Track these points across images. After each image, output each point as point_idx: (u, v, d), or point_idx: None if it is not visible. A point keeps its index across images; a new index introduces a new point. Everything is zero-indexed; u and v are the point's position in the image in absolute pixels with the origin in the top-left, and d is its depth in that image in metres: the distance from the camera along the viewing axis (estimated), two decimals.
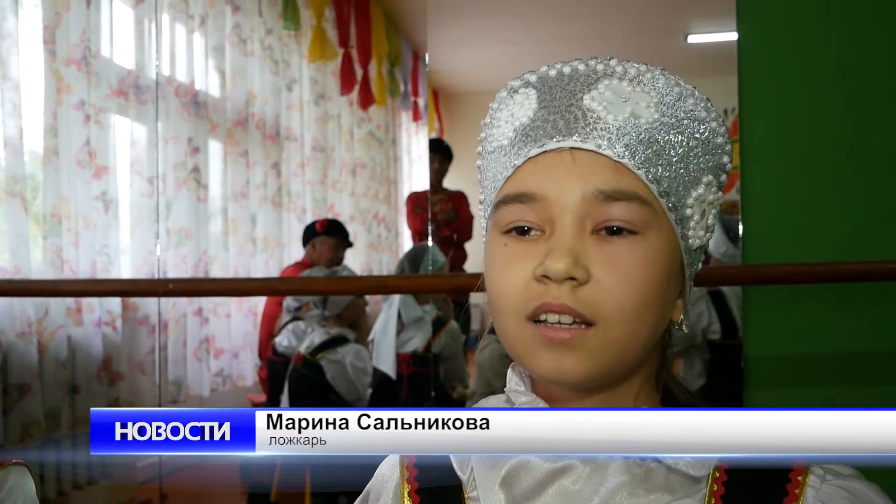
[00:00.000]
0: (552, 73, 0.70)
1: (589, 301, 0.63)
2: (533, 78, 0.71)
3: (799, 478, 0.67)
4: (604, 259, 0.64)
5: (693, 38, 2.55)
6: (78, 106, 2.68)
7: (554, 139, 0.66)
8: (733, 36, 2.07)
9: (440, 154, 3.03)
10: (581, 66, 0.69)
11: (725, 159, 0.70)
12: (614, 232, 0.65)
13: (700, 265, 0.73)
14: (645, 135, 0.66)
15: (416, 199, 3.34)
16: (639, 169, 0.65)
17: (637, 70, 0.68)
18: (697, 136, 0.68)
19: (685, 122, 0.67)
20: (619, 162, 0.65)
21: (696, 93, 0.69)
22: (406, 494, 0.76)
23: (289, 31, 3.36)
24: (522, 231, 0.67)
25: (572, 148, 0.65)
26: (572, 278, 0.63)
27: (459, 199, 3.03)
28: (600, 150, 0.65)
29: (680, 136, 0.67)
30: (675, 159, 0.66)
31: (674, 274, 0.68)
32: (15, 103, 2.45)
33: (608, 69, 0.68)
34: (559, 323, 0.64)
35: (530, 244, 0.66)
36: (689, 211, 0.67)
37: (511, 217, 0.67)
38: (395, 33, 3.47)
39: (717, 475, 0.68)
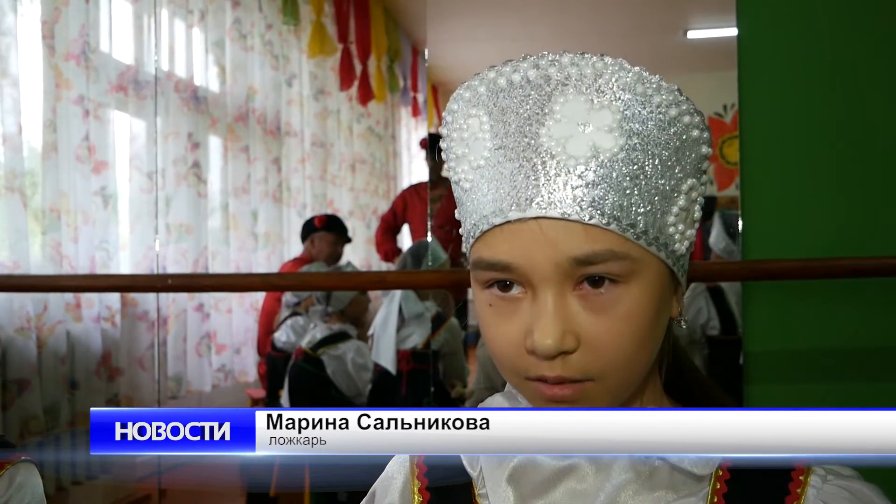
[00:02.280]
0: (501, 81, 0.64)
1: (582, 366, 0.63)
2: (482, 89, 0.65)
3: (801, 477, 0.68)
4: (590, 318, 0.62)
5: (693, 34, 2.54)
6: (77, 101, 2.68)
7: (516, 207, 0.62)
8: (733, 31, 2.07)
9: (435, 150, 3.02)
10: (532, 73, 0.63)
11: (704, 150, 0.66)
12: (598, 283, 0.62)
13: (693, 244, 0.71)
14: (609, 173, 0.61)
15: (402, 203, 3.33)
16: (610, 225, 0.61)
17: (594, 70, 0.62)
18: (670, 143, 0.63)
19: (655, 132, 0.62)
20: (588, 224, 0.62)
21: (663, 84, 0.63)
22: (416, 491, 0.76)
23: (288, 27, 3.36)
24: (504, 285, 0.65)
25: (537, 217, 0.62)
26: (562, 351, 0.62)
27: None
28: (567, 218, 0.61)
29: (650, 153, 0.62)
30: (644, 185, 0.62)
31: (666, 293, 0.67)
32: (14, 98, 2.45)
33: (562, 75, 0.62)
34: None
35: (515, 304, 0.65)
36: (671, 230, 0.64)
37: (489, 278, 0.65)
38: (394, 29, 3.47)
39: (721, 473, 0.68)
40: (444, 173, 0.73)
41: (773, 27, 2.04)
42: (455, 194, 0.70)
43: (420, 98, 3.51)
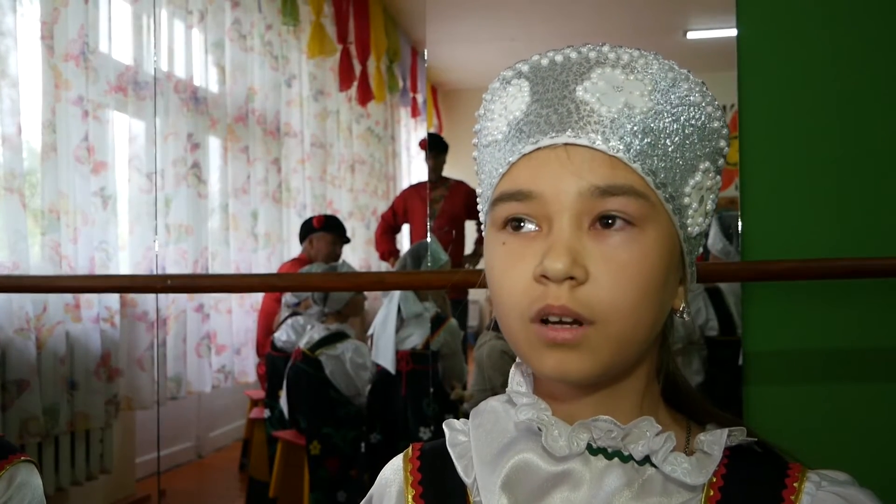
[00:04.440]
0: (544, 62, 0.69)
1: (587, 301, 0.63)
2: (525, 68, 0.70)
3: (795, 484, 0.68)
4: (601, 256, 0.64)
5: (692, 35, 2.54)
6: (76, 102, 2.68)
7: (548, 135, 0.65)
8: (733, 32, 2.06)
9: (435, 149, 3.02)
10: (573, 55, 0.68)
11: (722, 143, 0.70)
12: (611, 225, 0.64)
13: (700, 250, 0.72)
14: (639, 125, 0.65)
15: (402, 203, 3.32)
16: (634, 162, 0.64)
17: (630, 56, 0.67)
18: (693, 122, 0.67)
19: (680, 108, 0.66)
20: (614, 156, 0.64)
21: (691, 76, 0.68)
22: (410, 499, 0.76)
23: (288, 27, 3.36)
24: (519, 226, 0.66)
25: (566, 144, 0.65)
26: (571, 277, 0.63)
27: (460, 190, 3.03)
28: (595, 146, 0.64)
29: (675, 124, 0.66)
30: (670, 149, 0.66)
31: (673, 264, 0.68)
32: (13, 99, 2.45)
33: (601, 56, 0.67)
34: (560, 322, 0.64)
35: (529, 242, 0.66)
36: (686, 199, 0.67)
37: (507, 212, 0.67)
38: (393, 29, 3.47)
39: (714, 481, 0.68)
40: (477, 138, 0.75)
41: (773, 28, 2.04)
42: (483, 157, 0.73)
43: (419, 98, 3.50)
